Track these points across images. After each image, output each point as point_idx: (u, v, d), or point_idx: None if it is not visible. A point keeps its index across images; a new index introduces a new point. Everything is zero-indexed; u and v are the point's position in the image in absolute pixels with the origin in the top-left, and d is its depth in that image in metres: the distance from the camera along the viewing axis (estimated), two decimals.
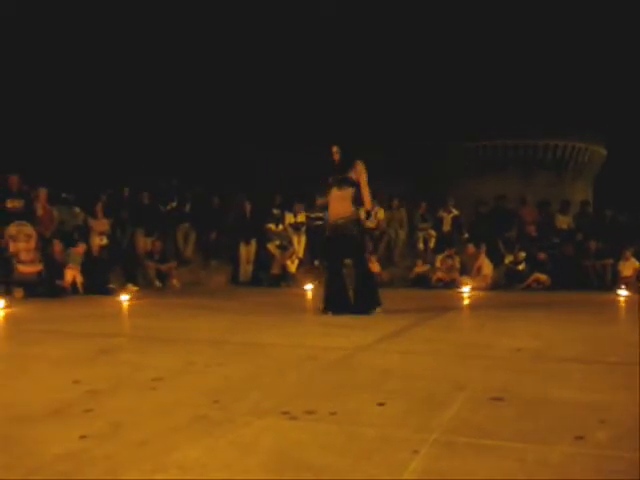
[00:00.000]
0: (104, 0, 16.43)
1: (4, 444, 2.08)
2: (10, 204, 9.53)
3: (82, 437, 2.12)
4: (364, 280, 6.40)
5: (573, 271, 11.20)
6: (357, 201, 6.56)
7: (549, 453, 1.96)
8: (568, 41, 18.44)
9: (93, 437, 2.12)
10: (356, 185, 6.43)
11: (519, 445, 2.04)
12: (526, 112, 19.05)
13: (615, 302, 8.59)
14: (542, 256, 11.19)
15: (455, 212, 13.22)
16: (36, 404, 2.61)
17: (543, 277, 10.94)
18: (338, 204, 6.42)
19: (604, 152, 21.43)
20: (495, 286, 10.92)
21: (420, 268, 11.66)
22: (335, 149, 6.51)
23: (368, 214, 6.84)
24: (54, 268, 9.23)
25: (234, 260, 12.35)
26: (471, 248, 11.52)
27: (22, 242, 9.09)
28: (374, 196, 6.91)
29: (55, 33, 15.18)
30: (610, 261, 11.22)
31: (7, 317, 6.34)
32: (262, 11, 17.93)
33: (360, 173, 6.41)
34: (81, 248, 9.71)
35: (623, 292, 9.27)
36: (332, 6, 18.02)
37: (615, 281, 10.74)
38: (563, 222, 12.92)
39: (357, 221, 6.62)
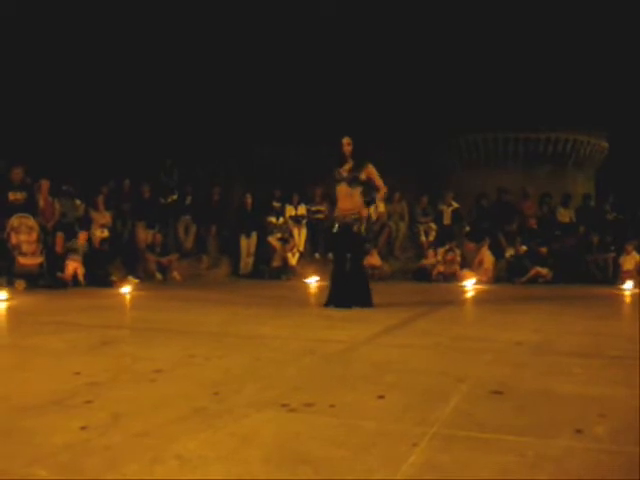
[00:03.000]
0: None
1: (5, 434, 2.09)
2: (12, 196, 9.53)
3: (82, 428, 2.13)
4: (355, 278, 6.39)
5: (575, 265, 11.19)
6: (366, 195, 6.67)
7: (549, 447, 1.97)
8: (569, 34, 18.34)
9: (93, 428, 2.13)
10: (365, 184, 6.50)
11: (519, 439, 2.04)
12: (527, 105, 18.98)
13: (616, 296, 8.59)
14: (544, 250, 11.17)
15: (455, 205, 13.20)
16: (37, 395, 2.62)
17: (544, 271, 10.92)
18: (348, 200, 6.42)
19: (606, 145, 21.34)
20: (496, 280, 10.92)
21: (428, 260, 11.60)
22: (347, 141, 6.45)
23: (369, 203, 6.85)
24: (55, 260, 9.25)
25: (235, 253, 12.36)
26: (470, 245, 11.52)
27: (24, 234, 9.09)
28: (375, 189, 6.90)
29: (56, 29, 15.12)
30: (612, 255, 11.20)
31: (9, 309, 6.35)
32: (262, 9, 17.88)
33: (372, 175, 6.44)
34: (83, 236, 9.71)
35: (627, 286, 9.25)
36: (332, 5, 17.95)
37: (617, 275, 10.73)
38: (565, 215, 12.89)
39: (364, 219, 6.63)
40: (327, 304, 6.36)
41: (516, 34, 18.75)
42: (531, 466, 1.80)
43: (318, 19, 18.34)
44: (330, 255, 12.71)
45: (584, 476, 1.75)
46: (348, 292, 6.30)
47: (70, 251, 9.42)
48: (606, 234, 11.69)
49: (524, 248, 11.42)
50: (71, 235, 9.81)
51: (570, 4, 18.08)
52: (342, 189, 6.44)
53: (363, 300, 6.28)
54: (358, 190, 6.46)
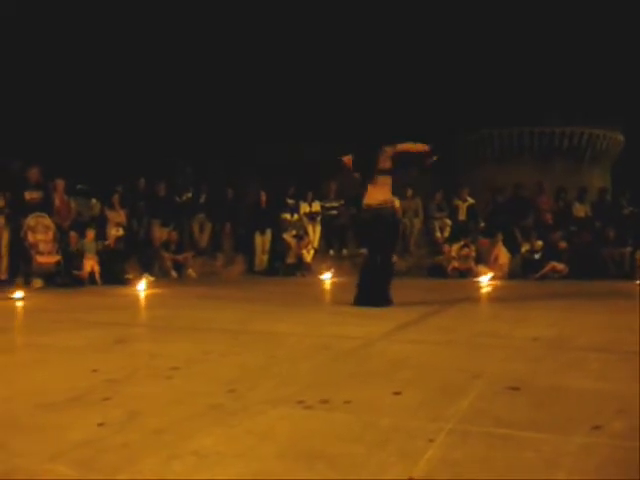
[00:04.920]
0: None
1: (24, 431, 2.11)
2: (28, 196, 9.62)
3: (100, 425, 2.14)
4: (380, 273, 6.21)
5: (591, 259, 11.09)
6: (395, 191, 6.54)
7: (566, 443, 1.95)
8: (584, 25, 18.17)
9: (111, 425, 2.15)
10: (390, 171, 6.24)
11: (535, 435, 2.03)
12: (542, 98, 18.83)
13: (633, 291, 8.50)
14: (563, 244, 11.07)
15: (470, 201, 13.14)
16: (55, 392, 2.64)
17: (560, 266, 10.83)
18: (376, 190, 6.21)
19: (622, 138, 21.12)
20: (511, 275, 10.85)
21: (446, 257, 11.52)
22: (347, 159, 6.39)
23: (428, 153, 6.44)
24: (72, 258, 9.34)
25: (249, 250, 12.40)
26: (484, 241, 11.46)
27: (40, 233, 9.19)
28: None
29: (65, 28, 15.24)
30: (628, 249, 11.09)
31: (26, 307, 6.42)
32: (276, 9, 17.94)
33: (393, 150, 6.16)
34: (90, 234, 9.78)
35: None
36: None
37: (633, 269, 10.62)
38: (580, 210, 12.79)
39: (393, 210, 6.47)
40: (358, 302, 6.08)
41: (529, 30, 18.62)
42: (548, 462, 1.79)
43: (333, 18, 18.34)
44: (345, 251, 12.75)
45: (603, 473, 1.73)
46: (380, 289, 6.11)
47: (84, 251, 9.51)
48: (622, 228, 11.58)
49: (540, 243, 11.35)
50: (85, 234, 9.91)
51: (582, 2, 17.91)
52: (368, 188, 6.25)
53: (381, 298, 6.08)
54: (386, 180, 6.24)
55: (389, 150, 6.19)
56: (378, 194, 6.22)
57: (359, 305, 6.04)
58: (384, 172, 6.22)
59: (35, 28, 14.96)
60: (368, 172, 6.24)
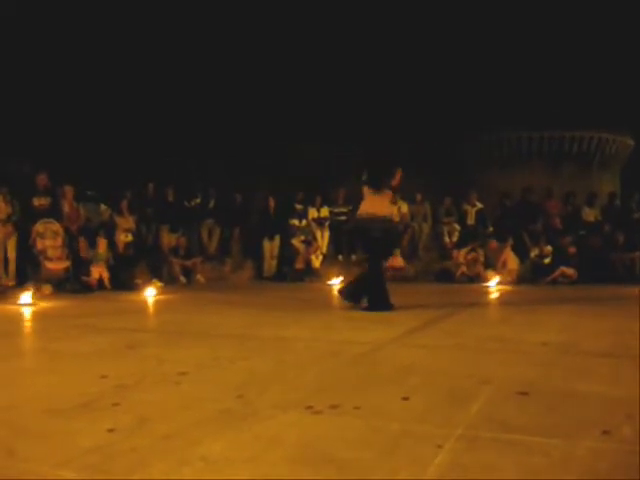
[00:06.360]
0: None
1: (34, 436, 2.12)
2: (37, 202, 9.67)
3: (110, 430, 2.15)
4: (371, 281, 6.34)
5: (600, 264, 11.03)
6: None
7: (575, 448, 1.94)
8: (595, 30, 18.13)
9: (120, 430, 2.16)
10: (396, 189, 6.44)
11: (545, 440, 2.02)
12: (550, 103, 18.78)
13: None
14: (572, 249, 11.02)
15: (479, 206, 13.10)
16: (65, 398, 2.65)
17: (570, 271, 10.78)
18: (375, 202, 6.33)
19: (631, 142, 21.02)
20: (520, 280, 10.81)
21: (454, 262, 11.45)
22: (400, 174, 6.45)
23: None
24: (81, 264, 9.38)
25: (258, 255, 12.42)
26: (493, 243, 11.41)
27: (49, 239, 9.23)
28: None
29: (70, 32, 15.33)
30: (638, 254, 11.03)
31: (36, 313, 6.45)
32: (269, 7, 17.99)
33: (398, 181, 6.38)
34: (102, 244, 9.82)
35: None
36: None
37: None
38: (590, 214, 12.72)
39: (389, 222, 6.56)
40: (371, 308, 6.14)
41: (539, 34, 18.60)
42: (558, 467, 1.78)
43: (338, 18, 18.40)
44: (354, 257, 12.73)
45: (612, 478, 1.73)
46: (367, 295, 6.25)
47: (93, 260, 9.54)
48: (632, 233, 11.52)
49: (549, 248, 11.30)
50: (95, 240, 9.93)
51: (593, 5, 17.88)
52: (368, 195, 6.37)
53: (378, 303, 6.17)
54: (388, 195, 6.39)
55: (398, 178, 6.38)
56: (375, 204, 6.33)
57: (370, 311, 6.06)
58: (391, 189, 6.39)
59: (40, 29, 15.05)
60: (377, 182, 6.32)
